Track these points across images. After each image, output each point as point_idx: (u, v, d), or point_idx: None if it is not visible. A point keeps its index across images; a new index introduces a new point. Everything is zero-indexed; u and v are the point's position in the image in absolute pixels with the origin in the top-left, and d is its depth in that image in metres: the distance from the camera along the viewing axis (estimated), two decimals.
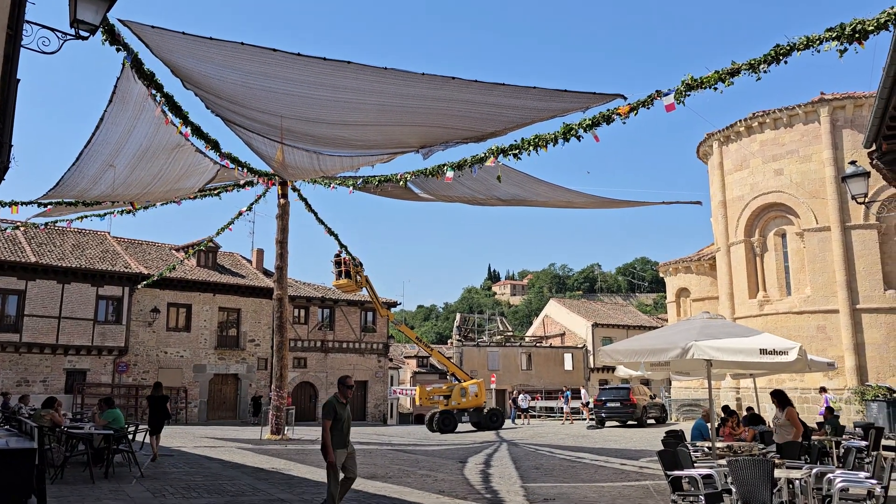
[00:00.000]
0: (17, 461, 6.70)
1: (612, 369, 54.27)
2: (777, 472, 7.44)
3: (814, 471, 8.09)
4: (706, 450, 10.95)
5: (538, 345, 55.64)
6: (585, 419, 33.81)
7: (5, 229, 24.53)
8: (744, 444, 10.95)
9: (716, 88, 8.61)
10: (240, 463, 14.42)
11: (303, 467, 13.87)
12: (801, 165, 26.97)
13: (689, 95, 8.91)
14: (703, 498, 7.97)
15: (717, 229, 30.66)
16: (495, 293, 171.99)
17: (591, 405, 35.50)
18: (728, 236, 29.75)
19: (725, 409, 13.88)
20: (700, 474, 8.23)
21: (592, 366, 52.79)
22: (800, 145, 27.10)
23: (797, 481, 7.67)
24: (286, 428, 22.01)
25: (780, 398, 11.32)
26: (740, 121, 28.73)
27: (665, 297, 40.84)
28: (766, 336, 9.27)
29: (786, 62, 7.89)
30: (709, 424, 13.46)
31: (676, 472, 8.30)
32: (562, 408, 38.11)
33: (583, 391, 35.78)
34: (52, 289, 30.07)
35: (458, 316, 56.98)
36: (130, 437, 12.57)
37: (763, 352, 8.86)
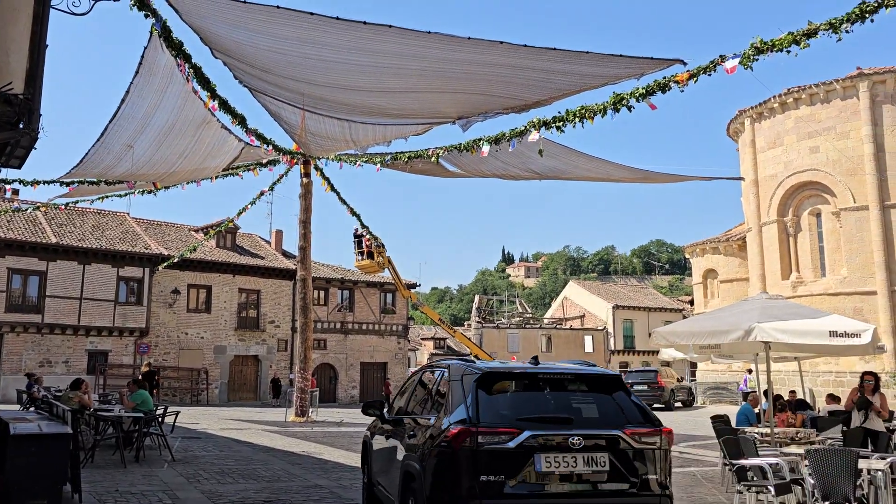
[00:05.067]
0: (52, 447, 6.32)
1: (634, 352, 53.44)
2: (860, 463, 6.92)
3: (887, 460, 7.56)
4: (756, 436, 10.44)
5: (558, 327, 55.13)
6: None
7: (26, 210, 24.20)
8: (801, 431, 10.43)
9: (788, 51, 7.97)
10: (269, 446, 14.09)
11: (334, 451, 13.51)
12: (838, 142, 26.11)
13: (756, 60, 8.29)
14: (771, 489, 7.49)
15: (748, 209, 29.89)
16: (510, 275, 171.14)
17: None
18: (760, 216, 28.99)
19: (777, 395, 13.29)
20: (769, 463, 7.72)
21: (613, 348, 52.27)
22: (837, 122, 26.22)
23: (879, 473, 7.16)
24: (310, 410, 21.74)
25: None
26: (774, 97, 27.85)
27: (682, 280, 40.26)
28: (836, 317, 8.73)
29: (871, 20, 7.23)
30: (756, 410, 12.95)
31: (744, 461, 7.79)
32: None
33: None
34: (73, 270, 29.87)
35: (476, 297, 56.50)
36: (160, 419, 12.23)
37: (833, 334, 8.32)
